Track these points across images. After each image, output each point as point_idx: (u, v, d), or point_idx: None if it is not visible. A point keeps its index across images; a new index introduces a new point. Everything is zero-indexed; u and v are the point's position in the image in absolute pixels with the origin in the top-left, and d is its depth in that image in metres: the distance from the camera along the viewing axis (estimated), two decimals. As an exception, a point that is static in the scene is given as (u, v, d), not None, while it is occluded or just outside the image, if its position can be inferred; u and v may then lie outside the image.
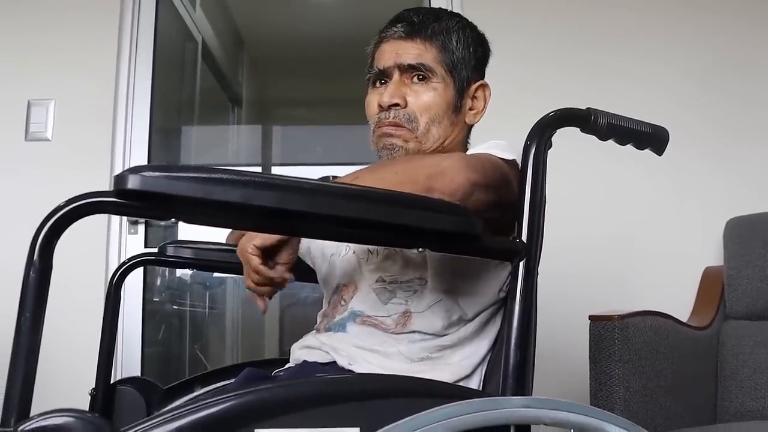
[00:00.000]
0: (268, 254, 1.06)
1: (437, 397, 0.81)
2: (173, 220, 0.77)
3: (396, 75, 1.29)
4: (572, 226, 2.32)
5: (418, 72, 1.28)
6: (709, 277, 2.36)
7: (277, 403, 0.77)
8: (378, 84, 1.33)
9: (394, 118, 1.27)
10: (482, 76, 1.36)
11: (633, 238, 2.48)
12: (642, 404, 1.76)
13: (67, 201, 0.72)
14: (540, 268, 0.98)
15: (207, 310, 3.69)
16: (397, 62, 1.28)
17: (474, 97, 1.33)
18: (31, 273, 0.71)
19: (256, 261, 1.05)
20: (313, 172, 4.75)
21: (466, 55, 1.30)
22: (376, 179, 1.00)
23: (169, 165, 0.79)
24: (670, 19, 2.62)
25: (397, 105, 1.27)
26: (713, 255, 2.40)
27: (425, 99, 1.27)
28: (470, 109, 1.33)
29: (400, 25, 1.31)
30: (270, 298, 1.14)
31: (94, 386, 1.39)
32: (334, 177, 1.17)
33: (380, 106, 1.28)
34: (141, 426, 0.71)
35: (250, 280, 1.09)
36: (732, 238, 2.27)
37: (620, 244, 2.47)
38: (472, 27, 1.35)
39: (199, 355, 3.55)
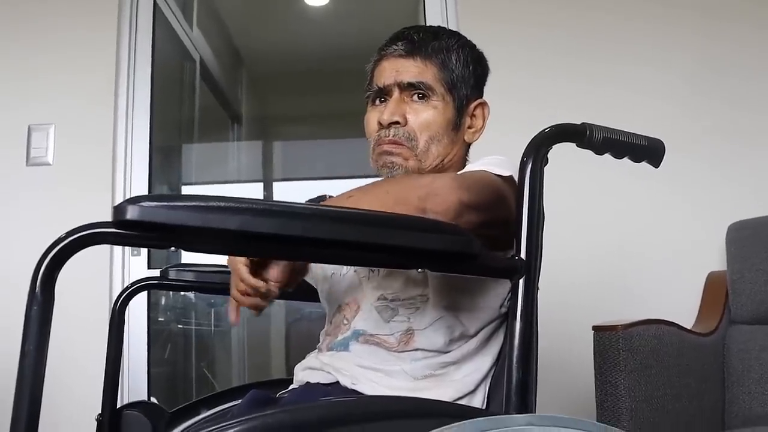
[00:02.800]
0: (259, 267, 1.03)
1: (441, 417, 0.81)
2: (173, 248, 0.77)
3: (396, 93, 1.29)
4: (572, 236, 2.32)
5: (417, 90, 1.28)
6: (712, 282, 2.36)
7: (281, 429, 0.77)
8: (378, 102, 1.33)
9: (393, 136, 1.27)
10: (481, 95, 1.36)
11: (634, 245, 2.48)
12: (649, 413, 1.76)
13: (67, 233, 0.73)
14: (542, 280, 0.98)
15: (212, 328, 3.70)
16: (397, 80, 1.29)
17: (473, 116, 1.34)
18: (33, 306, 0.72)
19: (244, 270, 1.02)
20: (314, 187, 4.77)
21: (466, 74, 1.31)
22: (369, 200, 1.00)
23: (168, 194, 0.80)
24: (664, 25, 2.62)
25: (397, 123, 1.27)
26: (716, 260, 2.40)
27: (425, 117, 1.28)
28: (469, 127, 1.34)
29: (400, 43, 1.31)
30: (257, 312, 1.09)
31: (100, 411, 1.39)
32: (330, 196, 1.17)
33: (380, 123, 1.29)
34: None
35: (236, 289, 1.06)
36: (734, 243, 2.27)
37: (622, 252, 2.47)
38: (472, 45, 1.36)
39: (206, 374, 3.55)
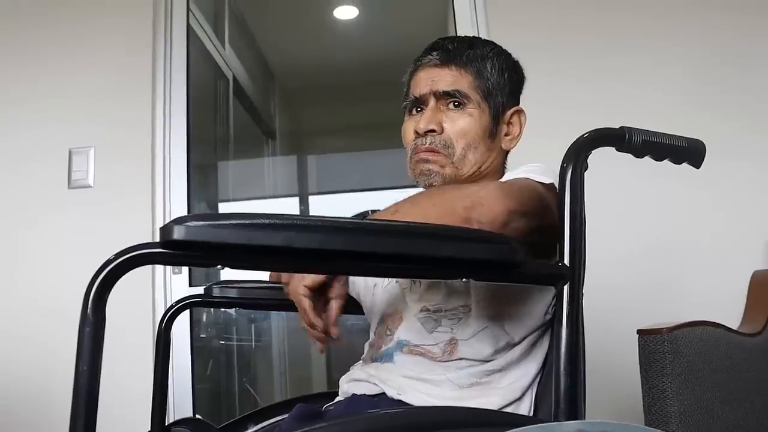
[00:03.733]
0: (320, 291, 1.04)
1: (490, 426, 0.81)
2: (219, 266, 0.78)
3: (432, 102, 1.30)
4: (614, 239, 2.30)
5: (453, 99, 1.29)
6: (757, 281, 2.31)
7: (331, 443, 0.77)
8: (414, 111, 1.35)
9: (430, 144, 1.28)
10: (517, 102, 1.37)
11: (676, 246, 2.45)
12: (698, 417, 1.73)
13: (115, 255, 0.74)
14: (585, 284, 0.98)
15: (253, 343, 3.72)
16: (433, 89, 1.30)
17: (510, 123, 1.34)
18: (85, 327, 0.73)
19: (306, 303, 1.02)
20: (350, 200, 4.78)
21: (501, 82, 1.32)
22: (415, 213, 1.01)
23: (213, 213, 0.81)
24: (696, 24, 2.60)
25: (433, 131, 1.28)
26: (760, 259, 2.36)
27: (461, 125, 1.28)
28: (506, 134, 1.34)
29: (435, 53, 1.32)
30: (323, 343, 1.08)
31: (149, 429, 1.41)
32: (373, 211, 1.17)
33: (417, 132, 1.30)
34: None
35: (305, 322, 1.06)
36: (778, 241, 2.23)
37: (664, 253, 2.44)
38: (507, 54, 1.37)
39: (249, 389, 3.57)
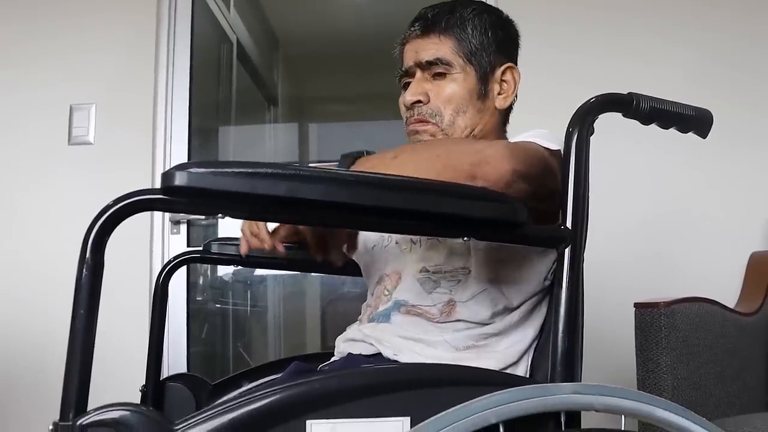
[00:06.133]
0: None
1: (486, 385, 0.81)
2: (220, 215, 0.77)
3: (418, 73, 1.31)
4: (615, 213, 2.30)
5: (436, 66, 1.29)
6: (755, 262, 2.33)
7: (328, 395, 0.78)
8: (406, 85, 1.35)
9: (418, 114, 1.29)
10: (510, 59, 1.34)
11: (677, 224, 2.45)
12: (691, 392, 1.74)
13: (115, 200, 0.74)
14: (584, 256, 0.98)
15: (249, 307, 3.72)
16: (416, 60, 1.31)
17: (503, 81, 1.33)
18: (84, 270, 0.73)
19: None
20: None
21: (485, 41, 1.30)
22: (418, 161, 1.01)
23: (215, 161, 0.80)
24: (701, 3, 2.58)
25: (420, 102, 1.29)
26: (759, 240, 2.36)
27: (447, 91, 1.29)
28: (499, 93, 1.32)
29: (417, 24, 1.33)
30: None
31: (144, 383, 1.41)
32: (368, 152, 1.15)
33: (405, 105, 1.31)
34: (195, 419, 0.72)
35: (247, 226, 1.15)
36: (778, 223, 2.23)
37: (664, 230, 2.44)
38: (491, 11, 1.35)
39: (243, 353, 3.59)
